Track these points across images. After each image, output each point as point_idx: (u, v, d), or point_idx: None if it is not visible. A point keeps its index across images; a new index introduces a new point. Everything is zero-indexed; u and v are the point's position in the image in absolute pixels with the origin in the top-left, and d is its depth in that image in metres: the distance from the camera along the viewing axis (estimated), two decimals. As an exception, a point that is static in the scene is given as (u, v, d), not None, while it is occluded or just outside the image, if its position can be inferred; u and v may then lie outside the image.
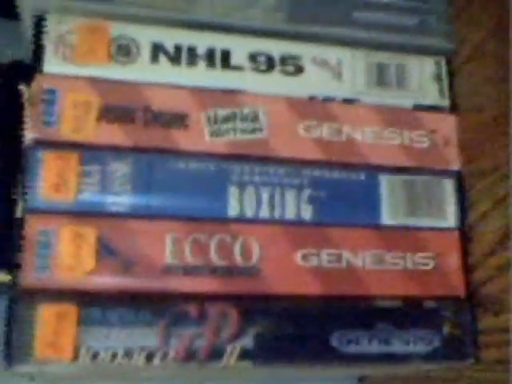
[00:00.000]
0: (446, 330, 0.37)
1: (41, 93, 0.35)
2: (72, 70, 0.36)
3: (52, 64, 0.36)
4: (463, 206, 0.39)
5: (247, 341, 0.35)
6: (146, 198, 0.35)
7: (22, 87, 0.36)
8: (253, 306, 0.35)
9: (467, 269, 0.38)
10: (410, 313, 0.37)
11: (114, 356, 0.33)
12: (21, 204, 0.34)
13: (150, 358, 0.33)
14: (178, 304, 0.34)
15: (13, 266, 0.34)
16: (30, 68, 0.36)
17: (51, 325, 0.33)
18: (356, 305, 0.37)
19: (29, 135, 0.35)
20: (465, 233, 0.39)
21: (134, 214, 0.35)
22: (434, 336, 0.37)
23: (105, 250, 0.34)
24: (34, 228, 0.34)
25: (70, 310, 0.33)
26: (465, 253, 0.38)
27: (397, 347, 0.36)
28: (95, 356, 0.33)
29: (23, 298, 0.33)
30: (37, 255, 0.34)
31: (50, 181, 0.34)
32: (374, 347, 0.36)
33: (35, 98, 0.35)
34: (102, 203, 0.35)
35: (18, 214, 0.34)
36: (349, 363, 0.36)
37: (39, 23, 0.36)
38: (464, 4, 0.41)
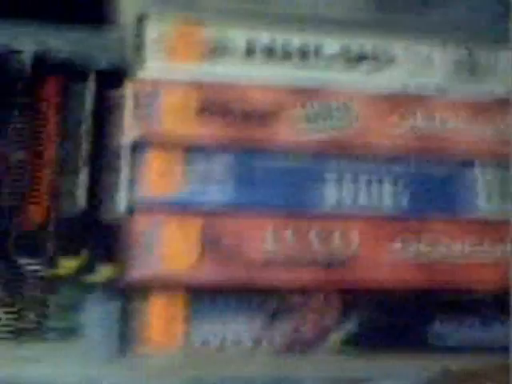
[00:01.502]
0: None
1: (142, 92, 0.37)
2: (171, 69, 0.38)
3: (151, 64, 0.38)
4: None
5: (351, 326, 0.35)
6: (247, 190, 0.36)
7: (124, 88, 0.37)
8: (354, 296, 0.36)
9: None
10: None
11: (223, 342, 0.34)
12: (126, 200, 0.36)
13: (257, 342, 0.34)
14: (281, 293, 0.35)
15: (120, 261, 0.35)
16: (128, 70, 0.38)
17: (162, 314, 0.34)
18: (456, 295, 0.37)
19: (132, 134, 0.36)
20: None
21: (236, 207, 0.36)
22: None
23: (208, 243, 0.35)
24: (139, 223, 0.35)
25: (179, 299, 0.34)
26: None
27: (498, 330, 0.36)
28: (205, 343, 0.34)
29: (133, 292, 0.34)
30: (143, 249, 0.35)
31: (154, 176, 0.36)
32: (477, 333, 0.36)
33: (137, 97, 0.37)
34: (205, 197, 0.36)
35: (123, 210, 0.36)
36: (449, 353, 0.37)
37: (139, 25, 0.38)
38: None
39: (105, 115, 0.39)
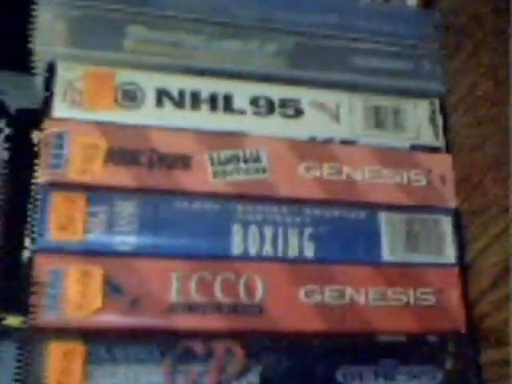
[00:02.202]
0: (448, 364, 0.37)
1: (50, 136, 0.37)
2: (80, 114, 0.38)
3: (61, 109, 0.38)
4: (462, 243, 0.40)
5: (253, 378, 0.35)
6: (152, 237, 0.36)
7: (34, 132, 0.37)
8: (258, 343, 0.36)
9: (468, 303, 0.39)
10: (413, 348, 0.37)
11: (122, 393, 0.33)
12: (29, 244, 0.35)
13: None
14: (184, 341, 0.35)
15: (23, 307, 0.34)
16: (39, 114, 0.38)
17: (60, 362, 0.33)
18: (360, 340, 0.37)
19: (39, 177, 0.36)
20: (464, 268, 0.40)
21: (140, 253, 0.36)
22: (438, 371, 0.37)
23: (111, 289, 0.35)
24: (42, 268, 0.35)
25: (78, 347, 0.33)
26: (465, 288, 0.39)
27: (401, 383, 0.36)
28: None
29: (33, 338, 0.34)
30: (45, 295, 0.34)
31: (58, 221, 0.35)
32: (379, 382, 0.36)
33: (45, 141, 0.37)
34: (108, 243, 0.36)
35: (27, 254, 0.35)
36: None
37: (50, 70, 0.38)
38: (455, 48, 0.43)
39: (20, 159, 0.39)
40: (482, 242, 0.38)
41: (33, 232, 0.35)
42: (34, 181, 0.36)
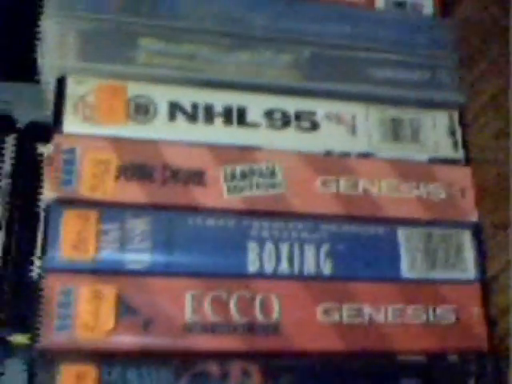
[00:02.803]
0: (471, 384, 0.36)
1: (60, 152, 0.36)
2: (91, 129, 0.37)
3: (72, 124, 0.37)
4: (482, 258, 0.39)
5: (270, 399, 0.34)
6: (165, 255, 0.35)
7: (42, 148, 0.36)
8: (275, 364, 0.35)
9: (490, 321, 0.38)
10: (434, 367, 0.36)
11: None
12: (40, 263, 0.34)
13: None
14: (200, 362, 0.34)
15: (32, 327, 0.33)
16: (48, 129, 0.37)
17: (72, 387, 0.32)
18: (379, 360, 0.36)
19: (49, 194, 0.35)
20: (486, 284, 0.38)
21: (154, 272, 0.35)
22: (460, 391, 0.36)
23: (124, 309, 0.34)
24: (53, 287, 0.34)
25: (90, 370, 0.33)
26: (487, 305, 0.38)
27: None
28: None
29: (43, 359, 0.33)
30: (56, 315, 0.33)
31: (70, 239, 0.34)
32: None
33: (56, 157, 0.36)
34: (121, 261, 0.35)
35: (38, 273, 0.34)
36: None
37: (60, 85, 0.37)
38: (474, 57, 0.42)
39: (27, 173, 0.38)
40: (504, 257, 0.37)
41: (43, 250, 0.34)
42: (44, 197, 0.35)
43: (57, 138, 0.36)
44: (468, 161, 0.41)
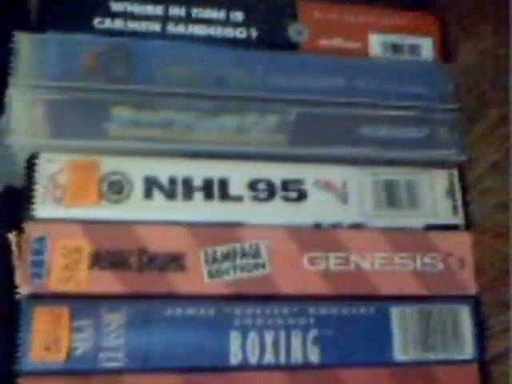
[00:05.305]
0: None
1: (29, 242, 0.34)
2: (62, 212, 0.35)
3: (42, 207, 0.35)
4: (482, 336, 0.37)
5: None
6: (143, 350, 0.34)
7: (11, 236, 0.34)
8: None
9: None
10: None
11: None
12: (13, 367, 0.33)
13: None
14: None
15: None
16: (18, 214, 0.35)
17: None
18: None
19: (20, 289, 0.33)
20: (486, 365, 0.36)
21: (130, 369, 0.33)
22: None
23: (100, 410, 0.33)
24: (25, 388, 0.32)
25: None
26: (485, 389, 0.36)
27: None
28: None
29: None
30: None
31: (41, 339, 0.33)
32: None
33: (23, 248, 0.34)
34: (95, 360, 0.33)
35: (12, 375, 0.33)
36: None
37: (30, 163, 0.35)
38: (479, 110, 0.38)
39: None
40: (504, 341, 0.35)
41: (16, 352, 0.33)
42: (17, 292, 0.34)
43: (26, 226, 0.34)
44: (468, 227, 0.38)
